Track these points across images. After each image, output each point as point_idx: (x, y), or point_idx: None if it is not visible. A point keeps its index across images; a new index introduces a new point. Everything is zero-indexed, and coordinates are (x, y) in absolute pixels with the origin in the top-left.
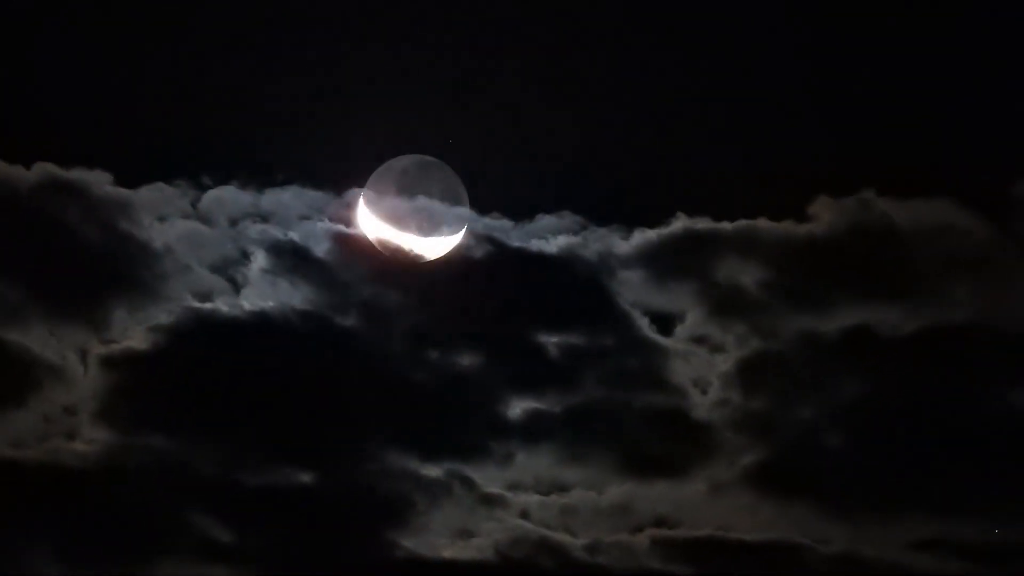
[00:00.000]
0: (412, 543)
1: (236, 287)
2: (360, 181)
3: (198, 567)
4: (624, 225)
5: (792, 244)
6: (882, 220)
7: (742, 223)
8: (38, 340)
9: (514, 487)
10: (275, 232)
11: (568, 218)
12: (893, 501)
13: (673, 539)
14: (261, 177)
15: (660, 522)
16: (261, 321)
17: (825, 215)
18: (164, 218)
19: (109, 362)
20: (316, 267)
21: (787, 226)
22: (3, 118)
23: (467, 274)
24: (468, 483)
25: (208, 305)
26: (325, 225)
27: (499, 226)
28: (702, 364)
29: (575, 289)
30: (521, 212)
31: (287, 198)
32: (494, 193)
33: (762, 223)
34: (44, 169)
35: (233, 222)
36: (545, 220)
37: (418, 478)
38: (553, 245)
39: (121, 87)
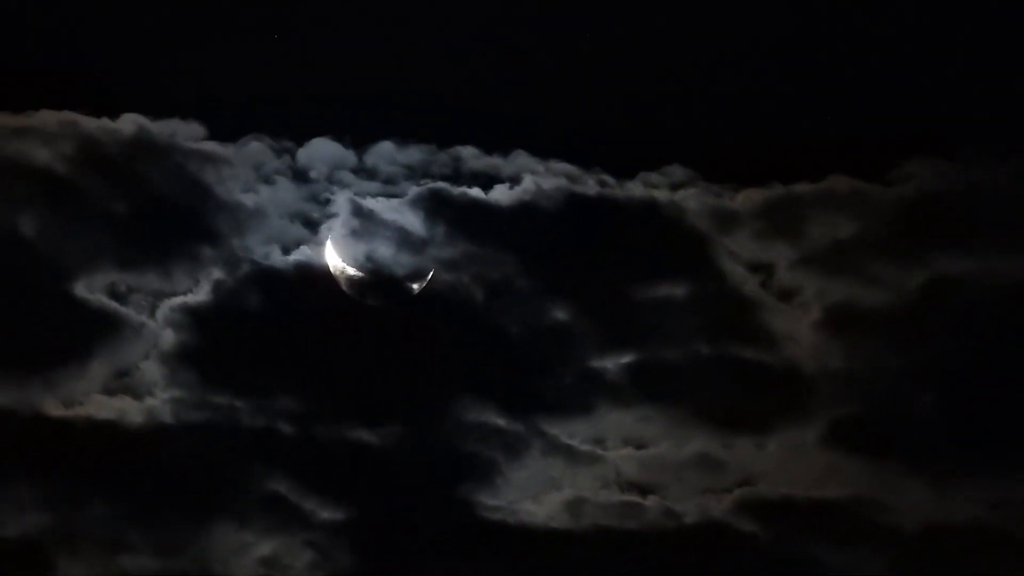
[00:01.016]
0: (493, 500)
1: (322, 240)
2: (460, 137)
3: (268, 525)
4: (729, 184)
5: (881, 202)
6: (969, 178)
7: (834, 181)
8: (121, 294)
9: (599, 442)
10: (369, 187)
11: (670, 173)
12: (979, 460)
13: (757, 497)
14: (357, 132)
15: (745, 480)
16: (348, 276)
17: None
18: (256, 170)
19: (189, 316)
20: (406, 221)
21: (875, 187)
22: (94, 69)
23: (561, 225)
24: (551, 439)
25: (292, 258)
26: (418, 182)
27: (596, 179)
28: (792, 318)
29: (667, 242)
30: (624, 166)
31: (383, 152)
32: (598, 145)
33: (854, 182)
34: (134, 121)
35: (326, 176)
36: (643, 175)
37: (500, 433)
38: (646, 197)
39: (218, 40)
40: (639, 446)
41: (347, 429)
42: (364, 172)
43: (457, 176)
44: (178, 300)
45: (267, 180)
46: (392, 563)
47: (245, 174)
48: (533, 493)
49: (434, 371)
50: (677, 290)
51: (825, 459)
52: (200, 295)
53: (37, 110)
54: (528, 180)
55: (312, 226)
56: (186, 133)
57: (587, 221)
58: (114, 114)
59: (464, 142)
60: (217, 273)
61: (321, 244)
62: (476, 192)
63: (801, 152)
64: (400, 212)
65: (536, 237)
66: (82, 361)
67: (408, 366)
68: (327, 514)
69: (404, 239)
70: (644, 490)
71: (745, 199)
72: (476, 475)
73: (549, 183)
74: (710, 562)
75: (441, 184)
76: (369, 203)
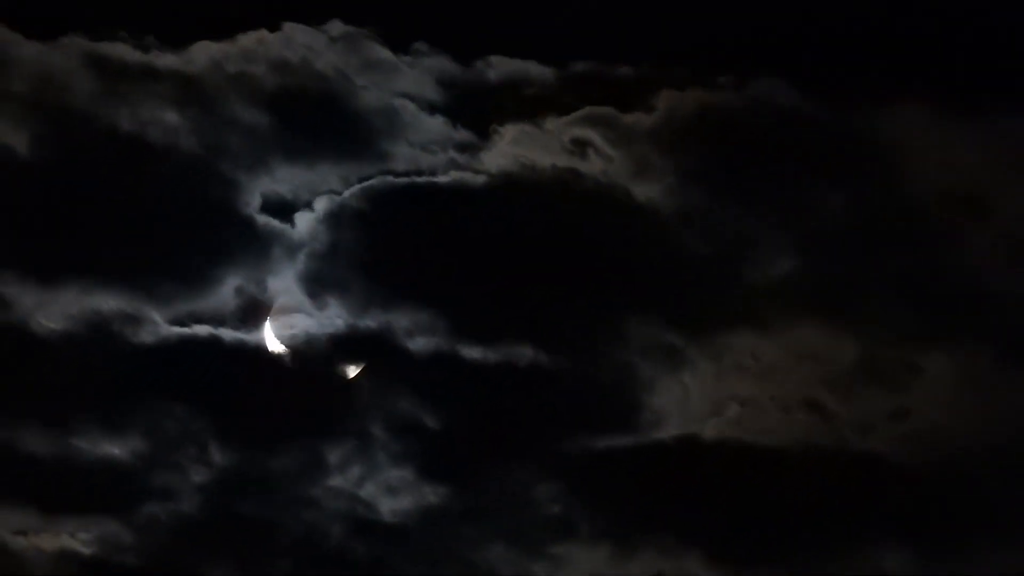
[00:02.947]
0: (656, 421)
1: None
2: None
3: (398, 451)
4: None
5: None
6: None
7: None
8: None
9: (759, 357)
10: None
11: None
12: None
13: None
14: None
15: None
16: (506, 183)
17: None
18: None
19: (330, 221)
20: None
21: None
22: None
23: (743, 137)
24: (715, 353)
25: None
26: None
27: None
28: None
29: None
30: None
31: None
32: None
33: None
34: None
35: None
36: None
37: (663, 349)
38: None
39: None
40: (811, 360)
41: (497, 347)
42: None
43: None
44: (325, 205)
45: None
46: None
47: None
48: (698, 411)
49: (599, 285)
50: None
51: None
52: (351, 202)
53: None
54: None
55: (471, 149)
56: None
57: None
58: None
59: None
60: (368, 180)
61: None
62: None
63: None
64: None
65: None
66: (223, 272)
67: (569, 279)
68: (466, 437)
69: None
70: (813, 407)
71: None
72: (640, 394)
73: None
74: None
75: None
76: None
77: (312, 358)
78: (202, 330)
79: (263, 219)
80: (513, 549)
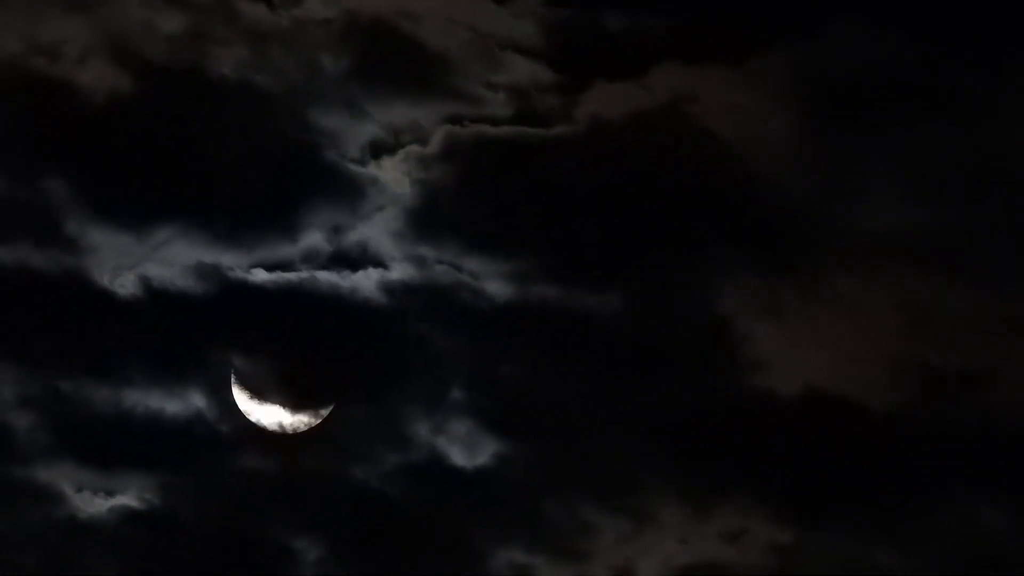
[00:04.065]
0: (749, 374)
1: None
2: None
3: (478, 402)
4: None
5: None
6: None
7: None
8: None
9: (861, 309)
10: None
11: None
12: None
13: None
14: None
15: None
16: (601, 132)
17: None
18: None
19: (420, 168)
20: None
21: None
22: None
23: (850, 80)
24: (815, 304)
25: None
26: None
27: None
28: None
29: None
30: None
31: None
32: None
33: None
34: None
35: None
36: None
37: (760, 299)
38: None
39: None
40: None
41: (568, 294)
42: None
43: None
44: (415, 151)
45: None
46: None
47: None
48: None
49: (695, 232)
50: None
51: None
52: (442, 148)
53: None
54: None
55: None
56: None
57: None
58: None
59: None
60: (462, 126)
61: None
62: None
63: None
64: None
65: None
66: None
67: (666, 227)
68: (544, 389)
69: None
70: (917, 363)
71: None
72: (735, 346)
73: None
74: None
75: None
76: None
77: (392, 307)
78: (281, 278)
79: (351, 165)
80: (589, 503)
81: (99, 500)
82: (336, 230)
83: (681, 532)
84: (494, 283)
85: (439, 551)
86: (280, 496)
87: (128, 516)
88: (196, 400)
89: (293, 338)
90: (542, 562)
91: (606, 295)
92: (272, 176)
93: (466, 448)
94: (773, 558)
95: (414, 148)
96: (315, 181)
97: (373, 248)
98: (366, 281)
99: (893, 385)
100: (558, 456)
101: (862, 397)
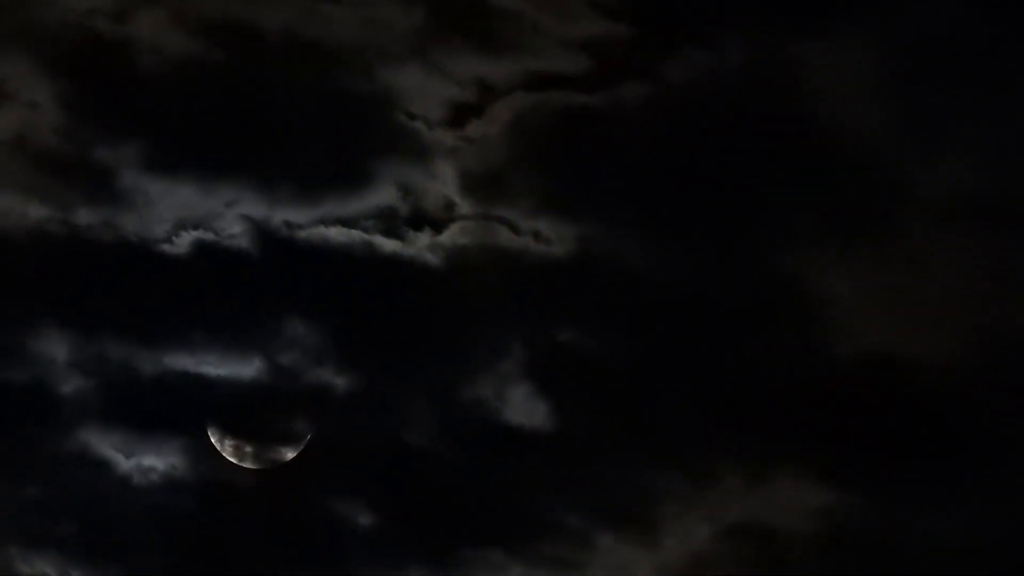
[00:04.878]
0: (817, 337)
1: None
2: None
3: (540, 365)
4: None
5: None
6: None
7: None
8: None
9: (932, 270)
10: None
11: None
12: None
13: None
14: None
15: None
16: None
17: None
18: None
19: (488, 126)
20: None
21: None
22: None
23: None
24: (886, 266)
25: None
26: None
27: None
28: None
29: None
30: None
31: None
32: None
33: None
34: None
35: None
36: None
37: (830, 259)
38: None
39: None
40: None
41: (657, 261)
42: None
43: None
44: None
45: None
46: None
47: None
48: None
49: (759, 192)
50: None
51: None
52: (513, 107)
53: None
54: None
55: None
56: None
57: None
58: None
59: None
60: (533, 86)
61: None
62: None
63: None
64: None
65: None
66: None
67: (732, 188)
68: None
69: None
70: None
71: None
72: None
73: None
74: None
75: None
76: None
77: (452, 267)
78: (344, 235)
79: (418, 124)
80: (648, 466)
81: (148, 464)
82: (400, 190)
83: (742, 496)
84: (558, 245)
85: (495, 514)
86: (332, 460)
87: (176, 482)
88: (251, 363)
89: (352, 298)
90: (600, 524)
91: (672, 257)
92: (338, 134)
93: (524, 411)
94: (835, 523)
95: (483, 106)
96: (382, 140)
97: (436, 208)
98: (428, 241)
99: (968, 349)
100: (618, 419)
101: (936, 360)
